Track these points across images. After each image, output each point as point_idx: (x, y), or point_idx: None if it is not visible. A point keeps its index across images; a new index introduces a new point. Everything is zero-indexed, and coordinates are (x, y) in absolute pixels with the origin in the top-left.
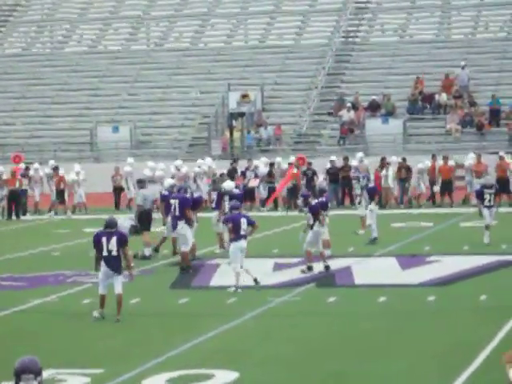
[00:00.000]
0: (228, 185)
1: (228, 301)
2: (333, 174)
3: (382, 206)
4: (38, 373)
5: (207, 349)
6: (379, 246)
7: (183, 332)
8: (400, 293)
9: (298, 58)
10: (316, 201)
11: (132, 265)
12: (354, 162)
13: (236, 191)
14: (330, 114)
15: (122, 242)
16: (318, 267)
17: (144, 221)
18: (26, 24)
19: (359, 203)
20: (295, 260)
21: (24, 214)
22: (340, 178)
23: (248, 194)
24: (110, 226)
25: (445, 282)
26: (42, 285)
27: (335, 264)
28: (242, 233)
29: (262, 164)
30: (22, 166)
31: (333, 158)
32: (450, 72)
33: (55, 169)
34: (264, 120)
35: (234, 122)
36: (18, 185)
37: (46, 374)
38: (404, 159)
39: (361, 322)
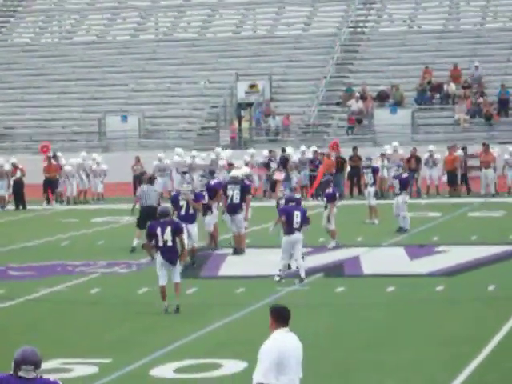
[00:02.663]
0: (234, 172)
1: (236, 291)
2: (337, 164)
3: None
4: (37, 364)
5: (215, 338)
6: (388, 236)
7: (191, 322)
8: (408, 283)
9: (307, 48)
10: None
11: (185, 253)
12: (388, 151)
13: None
14: (338, 104)
15: (177, 230)
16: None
17: (141, 218)
18: (34, 14)
19: (369, 193)
20: (304, 250)
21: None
22: (349, 168)
23: (271, 185)
24: (163, 216)
25: (453, 272)
26: (50, 274)
27: (344, 254)
28: (295, 226)
29: (293, 152)
30: (50, 154)
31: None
32: (458, 62)
33: (54, 157)
34: (272, 110)
35: (242, 111)
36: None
37: (54, 363)
38: (414, 149)
39: (369, 311)
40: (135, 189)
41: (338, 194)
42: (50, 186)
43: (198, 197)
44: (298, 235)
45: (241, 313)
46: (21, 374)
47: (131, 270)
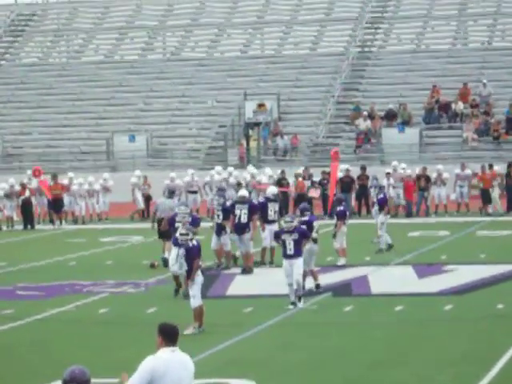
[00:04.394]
0: (242, 192)
1: (244, 310)
2: (346, 183)
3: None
4: (86, 383)
5: (223, 358)
6: (395, 255)
7: (199, 341)
8: (417, 302)
9: (314, 68)
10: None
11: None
12: (388, 169)
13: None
14: (346, 123)
15: (191, 255)
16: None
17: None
18: (42, 34)
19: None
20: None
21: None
22: (357, 187)
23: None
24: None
25: (462, 291)
26: (58, 294)
27: (352, 273)
28: (314, 235)
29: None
30: (43, 177)
31: (345, 166)
32: (466, 81)
33: (54, 177)
34: (280, 129)
35: (250, 131)
36: (28, 194)
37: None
38: (425, 168)
39: (377, 330)
40: (144, 208)
41: (348, 213)
42: (55, 205)
43: (194, 220)
44: (312, 245)
45: (249, 332)
46: None
47: (139, 289)
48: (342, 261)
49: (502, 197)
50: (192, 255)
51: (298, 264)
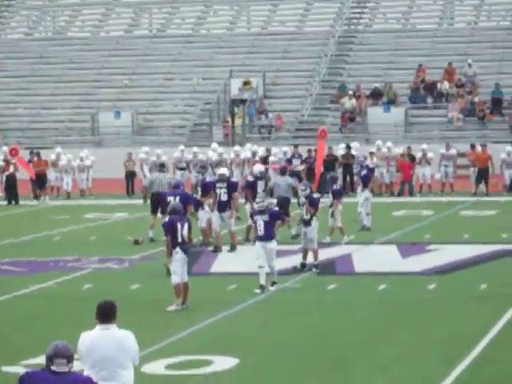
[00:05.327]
0: (222, 170)
1: (228, 287)
2: (328, 161)
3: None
4: (70, 359)
5: (207, 335)
6: (380, 234)
7: (183, 318)
8: (400, 281)
9: (301, 46)
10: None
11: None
12: (372, 149)
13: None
14: (332, 101)
15: (190, 227)
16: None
17: (153, 204)
18: (28, 9)
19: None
20: (296, 247)
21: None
22: (342, 166)
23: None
24: (178, 213)
25: (445, 271)
26: (41, 270)
27: (335, 251)
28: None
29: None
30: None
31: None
32: (452, 61)
33: (37, 154)
34: (265, 107)
35: (235, 108)
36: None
37: (44, 359)
38: (409, 148)
39: (361, 309)
40: (128, 184)
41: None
42: (39, 181)
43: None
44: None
45: (232, 310)
46: (53, 368)
47: (123, 265)
48: (345, 239)
49: (493, 176)
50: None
51: (271, 247)
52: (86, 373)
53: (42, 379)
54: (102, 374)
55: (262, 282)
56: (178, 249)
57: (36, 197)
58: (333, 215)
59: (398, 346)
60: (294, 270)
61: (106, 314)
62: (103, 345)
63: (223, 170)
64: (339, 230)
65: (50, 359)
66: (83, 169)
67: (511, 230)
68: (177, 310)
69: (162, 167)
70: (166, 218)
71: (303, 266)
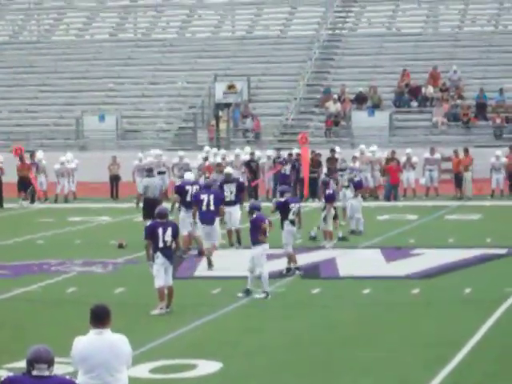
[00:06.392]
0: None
1: (212, 291)
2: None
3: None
4: (51, 363)
5: (191, 339)
6: (364, 238)
7: (167, 322)
8: (384, 285)
9: (285, 49)
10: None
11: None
12: (356, 153)
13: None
14: (316, 105)
15: (176, 232)
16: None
17: (147, 209)
18: (13, 12)
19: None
20: (281, 251)
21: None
22: (325, 170)
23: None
24: (163, 217)
25: (429, 275)
26: (25, 273)
27: (320, 255)
28: (291, 217)
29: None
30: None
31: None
32: (437, 66)
33: (21, 158)
34: (250, 111)
35: (220, 112)
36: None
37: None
38: (393, 152)
39: (345, 313)
40: (112, 188)
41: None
42: (23, 185)
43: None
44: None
45: (216, 313)
46: (34, 372)
47: (107, 269)
48: (330, 244)
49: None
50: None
51: (255, 253)
52: (80, 378)
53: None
54: (97, 378)
55: (249, 286)
56: (158, 253)
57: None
58: (325, 220)
59: (382, 350)
60: (280, 275)
61: (99, 318)
62: (97, 350)
63: (228, 170)
64: (328, 234)
65: (31, 363)
66: (68, 172)
67: (495, 234)
68: (161, 313)
69: (150, 172)
70: (148, 222)
71: (288, 270)
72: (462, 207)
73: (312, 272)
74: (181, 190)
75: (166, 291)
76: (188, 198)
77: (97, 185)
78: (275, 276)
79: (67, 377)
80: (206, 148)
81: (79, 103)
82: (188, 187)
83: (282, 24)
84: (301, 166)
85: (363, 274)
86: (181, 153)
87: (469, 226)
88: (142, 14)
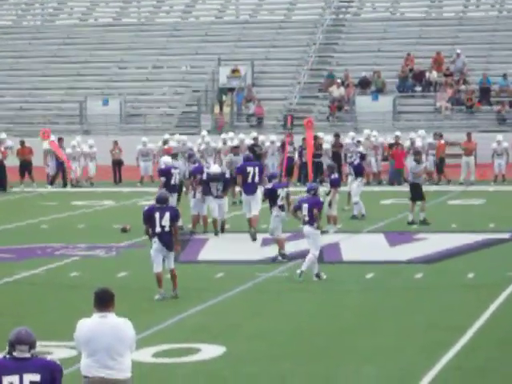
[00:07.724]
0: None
1: (216, 275)
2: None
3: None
4: (32, 345)
5: (194, 323)
6: (367, 223)
7: (170, 306)
8: (388, 269)
9: (289, 34)
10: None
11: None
12: (361, 138)
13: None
14: (320, 90)
15: (175, 217)
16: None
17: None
18: None
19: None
20: (284, 235)
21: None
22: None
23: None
24: (162, 202)
25: (432, 260)
26: (29, 257)
27: (323, 240)
28: (279, 203)
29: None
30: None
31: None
32: (440, 50)
33: (22, 142)
34: (254, 95)
35: (223, 96)
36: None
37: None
38: (397, 137)
39: (348, 297)
40: (115, 173)
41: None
42: (25, 168)
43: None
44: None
45: (220, 298)
46: (16, 354)
47: (111, 253)
48: (333, 228)
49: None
50: None
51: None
52: (83, 361)
53: (2, 366)
54: (100, 361)
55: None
56: (155, 238)
57: (65, 183)
58: (330, 205)
59: (385, 335)
60: (274, 261)
61: (103, 301)
62: (101, 333)
63: (216, 168)
64: (332, 219)
65: (12, 345)
66: (79, 156)
67: (498, 219)
68: (164, 298)
69: (174, 157)
70: (146, 206)
71: (283, 256)
72: (464, 192)
73: None
74: (166, 173)
75: (168, 276)
76: (172, 182)
77: (101, 168)
78: (280, 260)
79: (47, 358)
80: (203, 132)
81: (83, 87)
82: (173, 170)
83: (285, 8)
84: (304, 150)
85: (366, 258)
86: (183, 137)
87: (472, 210)
88: None
